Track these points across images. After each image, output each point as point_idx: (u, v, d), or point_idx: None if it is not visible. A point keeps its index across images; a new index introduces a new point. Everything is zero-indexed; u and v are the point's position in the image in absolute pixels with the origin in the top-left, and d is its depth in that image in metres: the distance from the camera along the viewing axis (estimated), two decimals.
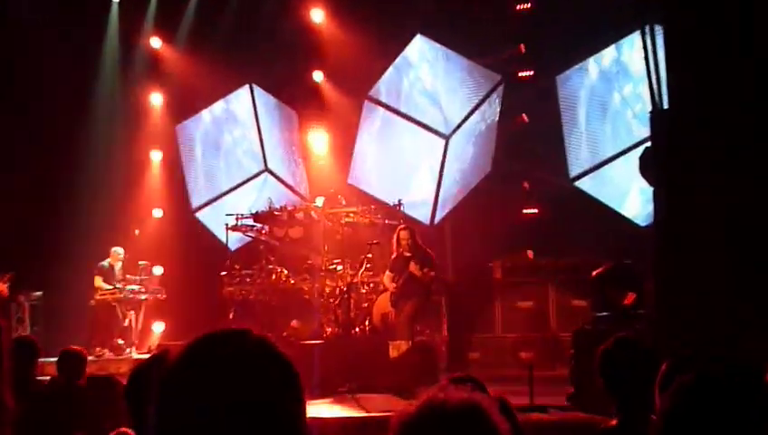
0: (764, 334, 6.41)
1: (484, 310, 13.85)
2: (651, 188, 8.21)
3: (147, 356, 4.13)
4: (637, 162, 8.64)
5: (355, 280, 12.71)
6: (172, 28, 16.92)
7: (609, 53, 14.51)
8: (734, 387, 2.04)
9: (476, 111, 14.90)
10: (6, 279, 13.75)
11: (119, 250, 14.80)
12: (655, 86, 7.99)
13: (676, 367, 3.29)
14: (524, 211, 14.72)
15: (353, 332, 12.31)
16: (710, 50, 7.52)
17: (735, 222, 7.24)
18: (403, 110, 15.26)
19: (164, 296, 14.93)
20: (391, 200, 14.00)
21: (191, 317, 13.43)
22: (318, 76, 16.44)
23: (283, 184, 16.53)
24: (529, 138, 14.55)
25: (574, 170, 14.58)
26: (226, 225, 14.22)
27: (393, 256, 12.02)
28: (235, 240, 14.83)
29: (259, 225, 14.04)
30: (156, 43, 17.03)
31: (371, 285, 13.13)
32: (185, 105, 17.03)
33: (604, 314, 9.43)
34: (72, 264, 14.80)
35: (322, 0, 16.23)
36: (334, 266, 13.23)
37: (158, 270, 15.71)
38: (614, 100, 14.46)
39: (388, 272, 12.04)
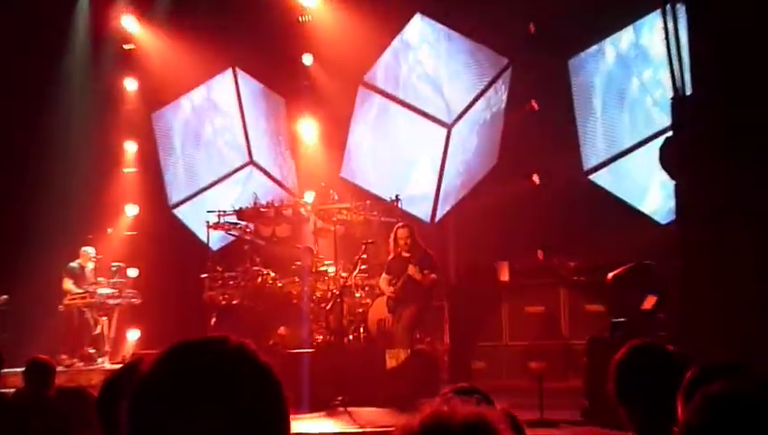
0: None
1: (490, 316, 13.84)
2: (673, 182, 8.21)
3: (120, 366, 4.13)
4: (657, 154, 8.64)
5: (348, 283, 12.69)
6: (147, 6, 16.88)
7: (626, 35, 14.52)
8: (764, 400, 2.04)
9: (481, 98, 14.91)
10: None
11: (89, 250, 14.78)
12: (676, 71, 7.99)
13: (702, 376, 3.29)
14: (534, 207, 14.70)
15: (346, 339, 12.30)
16: (736, 31, 7.51)
17: (767, 218, 7.24)
18: (401, 96, 15.27)
19: (139, 301, 14.91)
20: (388, 196, 14.00)
21: (169, 324, 13.43)
22: (308, 59, 16.41)
23: (270, 178, 16.53)
24: (539, 127, 14.54)
25: (589, 163, 14.59)
26: (207, 222, 14.21)
27: (390, 257, 12.02)
28: (216, 239, 14.83)
29: (243, 222, 14.04)
30: (129, 22, 17.00)
31: (366, 288, 13.11)
32: (162, 91, 17.00)
33: (622, 319, 9.43)
34: (39, 265, 14.77)
35: None
36: (325, 268, 13.23)
37: (132, 272, 15.67)
38: (632, 86, 14.47)
39: (384, 274, 12.04)
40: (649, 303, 9.43)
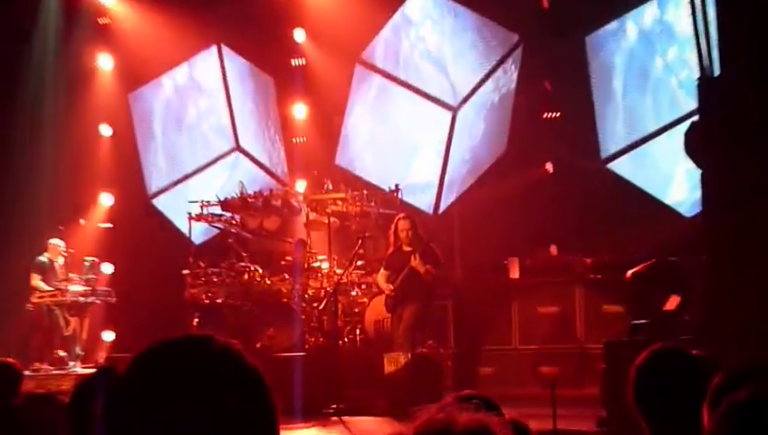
0: None
1: (499, 317, 13.86)
2: (699, 171, 8.21)
3: (93, 371, 4.13)
4: (682, 140, 8.64)
5: (344, 280, 12.71)
6: None
7: (650, 10, 14.51)
8: None
9: (490, 79, 14.90)
10: None
11: (59, 243, 14.73)
12: (704, 49, 7.99)
13: (729, 382, 3.29)
14: (547, 198, 14.71)
15: (341, 342, 12.32)
16: None
17: None
18: (402, 76, 15.26)
19: (114, 300, 14.90)
20: (387, 185, 14.01)
21: (146, 325, 13.40)
22: (300, 35, 16.40)
23: (258, 165, 16.53)
24: (553, 111, 14.54)
25: (608, 150, 14.58)
26: (189, 214, 14.21)
27: (390, 252, 12.02)
28: (199, 232, 14.83)
29: (228, 214, 14.03)
30: None
31: (363, 286, 13.13)
32: (140, 70, 16.99)
33: (642, 321, 9.43)
34: (3, 259, 14.77)
35: None
36: (318, 264, 13.23)
37: (107, 268, 15.67)
38: (656, 66, 14.46)
39: (383, 270, 12.04)
40: (673, 303, 9.42)
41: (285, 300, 13.10)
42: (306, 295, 13.09)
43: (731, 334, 7.23)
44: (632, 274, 9.90)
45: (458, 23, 15.12)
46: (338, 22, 15.43)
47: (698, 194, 8.72)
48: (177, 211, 15.68)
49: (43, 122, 16.41)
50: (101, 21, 16.99)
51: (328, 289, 12.60)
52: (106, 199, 17.06)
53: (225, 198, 13.95)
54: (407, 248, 11.73)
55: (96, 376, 3.65)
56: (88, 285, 14.60)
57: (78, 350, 14.40)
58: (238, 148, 16.50)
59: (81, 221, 16.70)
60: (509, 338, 13.80)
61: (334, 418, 10.58)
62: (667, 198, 13.99)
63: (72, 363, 14.13)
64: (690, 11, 8.29)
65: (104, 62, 17.20)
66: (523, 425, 3.21)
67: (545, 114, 14.77)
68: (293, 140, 16.73)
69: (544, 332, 13.64)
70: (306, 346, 12.53)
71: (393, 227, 11.97)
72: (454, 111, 14.76)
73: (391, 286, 11.78)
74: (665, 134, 13.96)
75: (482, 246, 14.29)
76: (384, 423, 10.06)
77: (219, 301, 13.43)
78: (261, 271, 13.44)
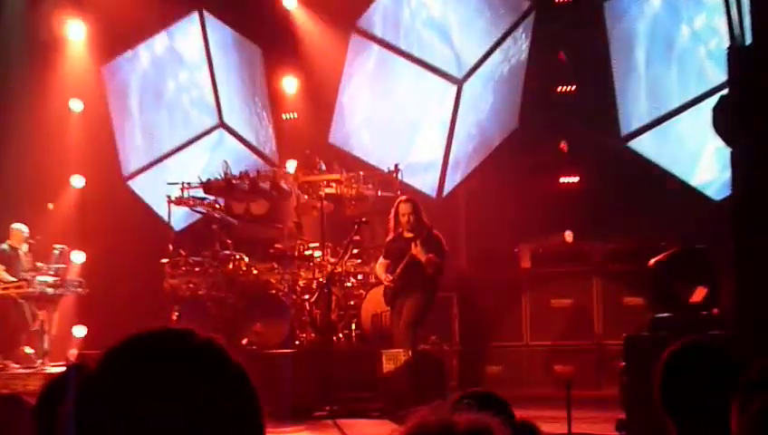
0: None
1: (508, 310, 13.89)
2: (729, 149, 8.20)
3: (62, 369, 4.13)
4: (710, 115, 8.63)
5: (338, 270, 12.72)
6: None
7: None
8: None
9: (498, 49, 14.88)
10: None
11: (21, 228, 14.68)
12: (734, 16, 7.97)
13: (762, 380, 3.29)
14: (562, 180, 14.72)
15: (335, 338, 12.33)
16: None
17: None
18: (402, 46, 15.24)
19: (86, 291, 14.92)
20: (386, 165, 14.00)
21: (122, 319, 13.43)
22: (290, 1, 16.38)
23: (244, 144, 16.53)
24: (568, 84, 14.53)
25: (629, 127, 14.58)
26: (169, 197, 14.23)
27: (389, 238, 11.99)
28: (180, 217, 14.83)
29: (212, 197, 14.04)
30: None
31: (359, 276, 13.15)
32: (114, 39, 16.94)
33: (666, 314, 9.44)
34: None
35: None
36: (310, 252, 13.24)
37: (78, 257, 15.67)
38: (682, 34, 14.45)
39: (381, 259, 12.03)
40: (699, 295, 9.43)
41: (274, 292, 13.12)
42: (297, 287, 13.11)
43: (764, 330, 7.23)
44: (655, 262, 9.91)
45: None
46: None
47: (728, 174, 8.72)
48: (155, 194, 15.67)
49: (6, 96, 16.37)
50: None
51: (321, 280, 12.60)
52: (77, 181, 17.03)
53: (208, 180, 13.95)
54: (408, 235, 11.66)
55: (66, 375, 3.66)
56: (57, 276, 14.61)
57: (46, 346, 14.42)
58: (222, 124, 16.47)
59: (50, 205, 16.68)
60: (519, 333, 13.84)
61: (327, 421, 10.59)
62: (694, 179, 13.99)
63: (39, 361, 14.15)
64: None
65: (75, 31, 17.13)
66: (533, 427, 3.22)
67: (559, 87, 14.78)
68: (283, 116, 16.74)
69: (558, 326, 13.67)
70: (297, 342, 12.56)
71: (393, 211, 11.91)
72: (459, 83, 14.74)
73: (390, 277, 11.76)
74: (691, 109, 13.96)
75: (490, 232, 14.31)
76: (381, 426, 10.08)
77: (201, 293, 13.45)
78: (247, 260, 13.45)
